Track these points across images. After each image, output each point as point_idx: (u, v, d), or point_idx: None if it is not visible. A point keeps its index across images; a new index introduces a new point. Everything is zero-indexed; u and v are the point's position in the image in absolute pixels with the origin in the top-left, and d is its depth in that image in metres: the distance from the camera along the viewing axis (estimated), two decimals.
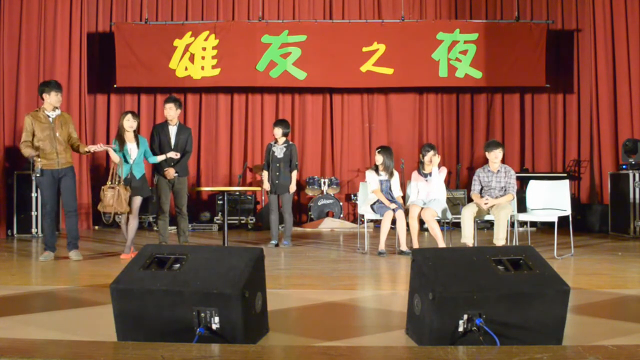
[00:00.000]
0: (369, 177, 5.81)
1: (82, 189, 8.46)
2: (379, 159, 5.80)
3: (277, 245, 6.26)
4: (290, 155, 6.28)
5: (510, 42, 8.98)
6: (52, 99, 5.14)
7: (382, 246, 5.59)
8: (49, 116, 5.14)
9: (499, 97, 9.51)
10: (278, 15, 9.35)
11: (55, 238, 5.34)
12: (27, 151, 5.06)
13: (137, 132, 5.51)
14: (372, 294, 3.88)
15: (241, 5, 9.40)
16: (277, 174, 6.23)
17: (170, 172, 5.68)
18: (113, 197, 5.17)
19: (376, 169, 5.84)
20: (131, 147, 5.43)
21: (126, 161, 5.38)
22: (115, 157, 5.31)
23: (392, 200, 5.72)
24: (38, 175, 5.10)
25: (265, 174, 6.35)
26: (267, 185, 6.31)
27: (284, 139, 6.32)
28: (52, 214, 5.24)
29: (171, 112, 5.80)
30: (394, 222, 5.58)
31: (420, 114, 9.53)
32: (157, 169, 5.75)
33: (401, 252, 5.61)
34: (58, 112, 5.21)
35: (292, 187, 6.27)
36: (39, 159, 5.08)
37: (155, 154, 5.69)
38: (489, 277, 2.38)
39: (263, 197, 8.85)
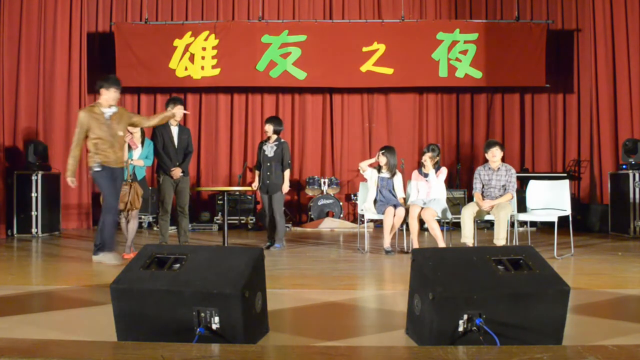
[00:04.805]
0: (368, 171, 5.83)
1: (82, 189, 8.47)
2: (382, 159, 5.79)
3: (268, 247, 6.02)
4: (282, 153, 6.05)
5: (510, 42, 8.98)
6: (110, 95, 4.86)
7: (387, 243, 5.58)
8: (104, 113, 4.86)
9: (499, 97, 9.51)
10: (278, 15, 9.36)
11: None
12: (71, 160, 4.81)
13: (143, 134, 5.56)
14: (372, 294, 3.88)
15: (241, 5, 9.41)
16: (268, 173, 6.04)
17: (177, 172, 5.71)
18: (126, 195, 5.16)
19: (379, 169, 5.85)
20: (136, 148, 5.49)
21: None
22: (125, 154, 5.34)
23: (394, 197, 5.74)
24: (98, 170, 4.81)
25: (257, 173, 6.22)
26: (255, 184, 6.20)
27: (275, 136, 6.11)
28: (117, 211, 4.98)
29: (180, 113, 5.81)
30: (402, 223, 5.59)
31: (420, 114, 9.53)
32: (163, 168, 5.76)
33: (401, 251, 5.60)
34: (115, 109, 4.92)
35: (285, 187, 6.06)
36: (96, 155, 4.80)
37: (158, 153, 5.71)
38: (489, 277, 2.38)
39: None
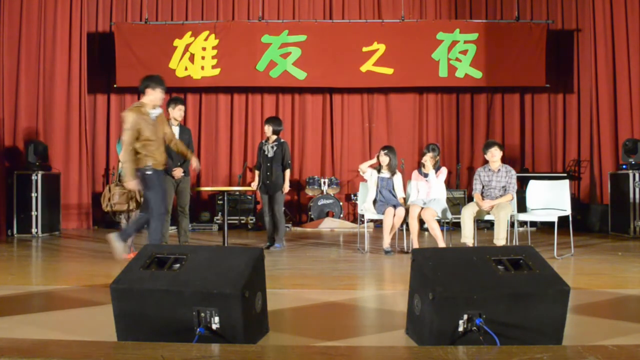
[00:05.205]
0: (368, 172, 5.83)
1: (82, 189, 8.47)
2: (385, 159, 5.78)
3: (267, 247, 6.01)
4: (282, 153, 6.02)
5: (510, 42, 8.97)
6: (157, 96, 4.68)
7: (386, 244, 5.58)
8: (150, 113, 4.64)
9: (499, 97, 9.50)
10: (278, 15, 9.35)
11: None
12: (128, 164, 4.50)
13: None
14: (372, 294, 3.88)
15: (241, 5, 9.40)
16: (268, 173, 6.01)
17: (179, 172, 5.72)
18: (123, 196, 5.14)
19: (378, 169, 5.84)
20: None
21: None
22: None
23: (394, 197, 5.74)
24: (150, 172, 4.58)
25: (257, 173, 6.20)
26: (254, 185, 6.19)
27: (274, 137, 6.08)
28: (168, 215, 4.78)
29: (181, 114, 5.82)
30: (402, 223, 5.57)
31: (420, 114, 9.53)
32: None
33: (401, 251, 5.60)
34: (160, 110, 4.73)
35: (286, 187, 6.04)
36: (147, 157, 4.57)
37: None
38: (489, 277, 2.38)
39: None
